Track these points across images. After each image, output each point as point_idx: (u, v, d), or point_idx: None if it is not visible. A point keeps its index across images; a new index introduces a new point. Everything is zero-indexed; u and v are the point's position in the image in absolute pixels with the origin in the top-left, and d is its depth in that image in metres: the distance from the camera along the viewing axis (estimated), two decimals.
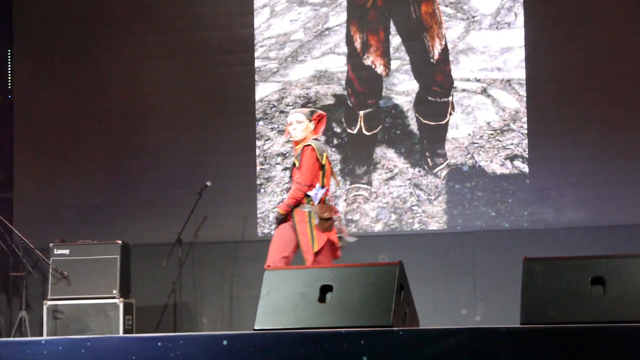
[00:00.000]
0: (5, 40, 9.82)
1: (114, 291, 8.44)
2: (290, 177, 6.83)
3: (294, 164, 6.75)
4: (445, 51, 8.93)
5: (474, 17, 8.91)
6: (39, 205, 9.52)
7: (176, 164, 9.36)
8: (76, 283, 8.47)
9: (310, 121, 6.75)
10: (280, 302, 5.26)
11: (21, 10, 9.82)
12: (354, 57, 9.12)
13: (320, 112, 6.85)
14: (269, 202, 9.14)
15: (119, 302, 8.40)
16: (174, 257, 8.78)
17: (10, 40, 9.81)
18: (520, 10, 8.83)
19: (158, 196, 9.34)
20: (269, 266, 6.34)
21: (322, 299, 5.16)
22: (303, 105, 9.12)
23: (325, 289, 5.22)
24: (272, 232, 9.14)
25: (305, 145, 6.68)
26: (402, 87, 9.02)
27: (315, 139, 6.77)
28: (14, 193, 9.65)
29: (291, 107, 9.19)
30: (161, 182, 9.35)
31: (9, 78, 9.83)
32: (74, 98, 9.61)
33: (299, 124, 6.72)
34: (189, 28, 9.45)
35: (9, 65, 9.85)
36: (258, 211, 9.16)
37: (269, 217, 9.09)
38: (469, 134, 8.86)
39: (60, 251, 8.57)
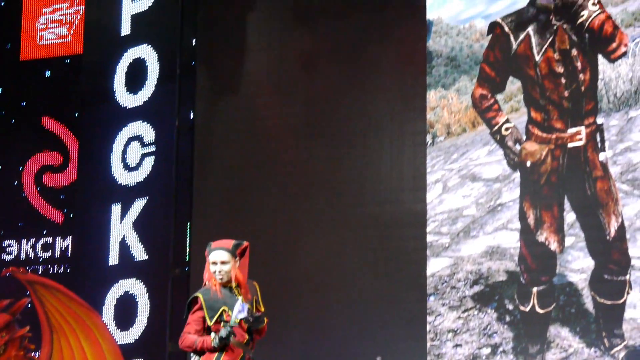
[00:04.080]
0: (185, 216, 10.22)
1: None
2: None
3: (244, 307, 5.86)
4: (622, 229, 8.72)
5: None
6: None
7: (346, 336, 9.32)
8: None
9: (235, 257, 5.97)
10: None
11: (201, 188, 10.23)
12: (527, 233, 9.02)
13: (244, 242, 6.04)
14: None
15: None
16: None
17: (190, 216, 10.21)
18: None
19: None
20: None
21: None
22: (474, 282, 9.03)
23: None
24: None
25: (252, 282, 6.05)
26: (577, 265, 8.82)
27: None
28: None
29: (462, 282, 9.11)
30: (331, 354, 9.31)
31: (187, 251, 10.16)
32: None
33: (224, 265, 5.92)
34: (363, 203, 9.58)
35: (188, 239, 10.20)
36: None
37: None
38: None
39: None
